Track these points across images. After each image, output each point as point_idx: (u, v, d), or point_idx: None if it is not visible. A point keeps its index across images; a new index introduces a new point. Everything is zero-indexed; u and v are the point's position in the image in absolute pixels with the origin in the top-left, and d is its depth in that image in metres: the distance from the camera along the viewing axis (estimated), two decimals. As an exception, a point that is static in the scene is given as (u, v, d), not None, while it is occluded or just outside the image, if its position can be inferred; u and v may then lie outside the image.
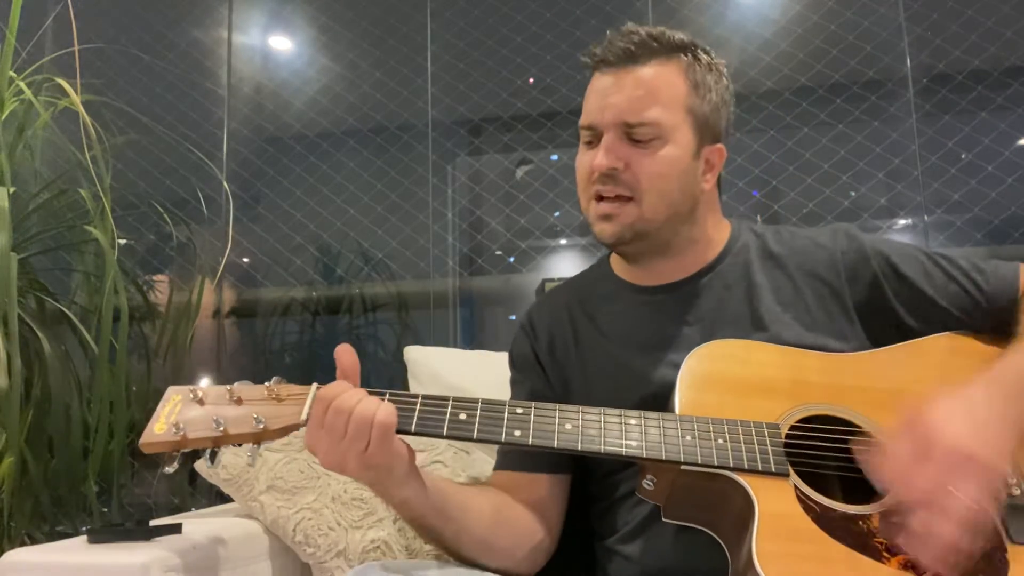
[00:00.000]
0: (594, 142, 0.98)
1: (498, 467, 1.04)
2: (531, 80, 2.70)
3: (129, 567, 0.89)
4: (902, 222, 2.54)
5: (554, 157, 2.76)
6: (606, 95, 0.96)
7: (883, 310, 0.98)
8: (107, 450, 1.80)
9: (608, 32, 0.99)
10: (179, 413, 0.81)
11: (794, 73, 2.49)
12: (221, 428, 0.79)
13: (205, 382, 0.85)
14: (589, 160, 0.97)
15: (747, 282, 1.01)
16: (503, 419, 0.81)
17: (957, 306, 0.97)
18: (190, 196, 2.61)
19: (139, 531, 0.99)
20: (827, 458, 0.85)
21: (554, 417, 0.82)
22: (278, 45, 2.99)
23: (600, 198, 0.97)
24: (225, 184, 2.48)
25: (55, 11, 2.34)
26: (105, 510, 1.90)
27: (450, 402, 0.82)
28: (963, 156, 2.40)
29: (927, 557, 0.72)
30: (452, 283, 2.69)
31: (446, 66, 2.71)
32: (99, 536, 0.98)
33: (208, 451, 0.82)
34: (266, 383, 0.84)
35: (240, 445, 0.82)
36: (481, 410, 0.82)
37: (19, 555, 0.94)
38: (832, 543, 0.75)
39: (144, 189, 2.63)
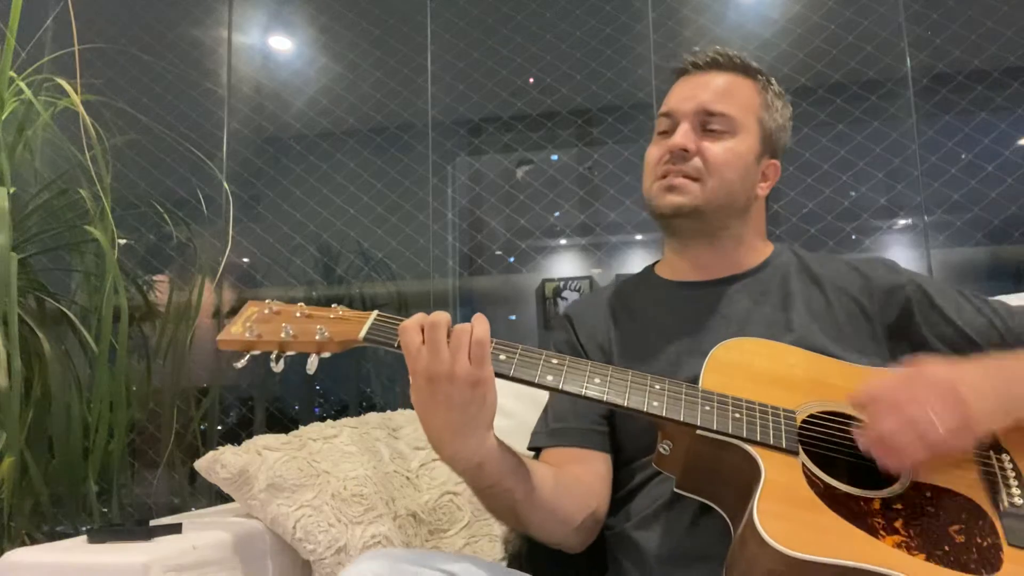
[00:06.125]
0: (668, 132, 1.07)
1: (547, 444, 1.07)
2: (531, 80, 2.70)
3: (129, 567, 0.89)
4: (902, 222, 2.54)
5: (554, 157, 2.76)
6: (691, 88, 1.07)
7: (913, 337, 1.02)
8: (107, 450, 1.80)
9: (696, 47, 1.13)
10: (255, 320, 0.90)
11: (794, 73, 2.49)
12: (290, 334, 0.87)
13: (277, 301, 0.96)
14: (662, 148, 1.06)
15: (784, 291, 1.06)
16: (539, 364, 0.87)
17: (981, 337, 1.01)
18: (190, 196, 2.61)
19: (139, 531, 0.99)
20: (838, 448, 0.87)
21: (585, 371, 0.87)
22: (278, 45, 2.99)
23: (665, 176, 1.04)
24: (225, 184, 2.48)
25: (55, 11, 2.34)
26: (105, 510, 1.90)
27: (493, 343, 0.87)
28: (963, 156, 2.40)
29: (884, 457, 0.79)
30: (452, 283, 2.69)
31: (446, 66, 2.72)
32: (99, 536, 0.98)
33: (274, 354, 0.90)
34: (333, 305, 0.93)
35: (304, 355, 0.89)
36: (520, 353, 0.87)
37: (19, 555, 0.94)
38: (831, 515, 0.78)
39: (144, 189, 2.63)
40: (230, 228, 2.29)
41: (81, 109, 1.87)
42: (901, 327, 1.03)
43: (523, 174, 2.73)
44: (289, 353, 0.90)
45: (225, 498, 1.24)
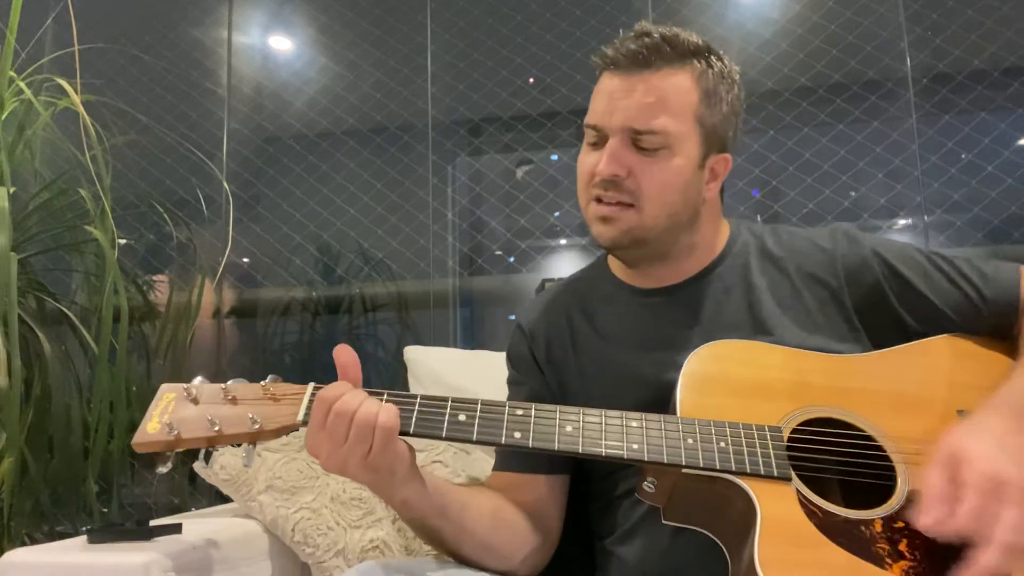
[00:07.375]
0: (599, 143, 0.96)
1: (496, 468, 1.04)
2: (531, 80, 2.70)
3: (129, 567, 0.89)
4: (902, 222, 2.54)
5: (554, 157, 2.76)
6: (614, 98, 0.94)
7: (885, 313, 0.97)
8: (107, 450, 1.80)
9: (621, 31, 0.97)
10: (172, 412, 0.78)
11: (794, 73, 2.49)
12: (216, 428, 0.77)
13: (199, 379, 0.83)
14: (592, 162, 0.95)
15: (746, 284, 1.00)
16: (503, 420, 0.80)
17: (956, 311, 0.96)
18: (190, 196, 2.61)
19: (139, 531, 0.99)
20: (828, 462, 0.84)
21: (555, 419, 0.81)
22: (278, 45, 2.99)
23: (599, 200, 0.96)
24: (225, 184, 2.48)
25: (55, 11, 2.34)
26: (105, 510, 1.90)
27: (449, 403, 0.80)
28: (963, 156, 2.40)
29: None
30: (452, 283, 2.69)
31: (446, 66, 2.71)
32: (99, 536, 0.98)
33: (203, 451, 0.80)
34: (262, 382, 0.82)
35: (238, 445, 0.81)
36: (480, 411, 0.80)
37: (19, 555, 0.94)
38: (835, 549, 0.75)
39: (144, 189, 2.63)
40: (230, 228, 2.29)
41: (81, 109, 1.87)
42: (873, 306, 0.97)
43: (523, 174, 2.73)
44: (218, 447, 0.80)
45: (225, 498, 1.24)
